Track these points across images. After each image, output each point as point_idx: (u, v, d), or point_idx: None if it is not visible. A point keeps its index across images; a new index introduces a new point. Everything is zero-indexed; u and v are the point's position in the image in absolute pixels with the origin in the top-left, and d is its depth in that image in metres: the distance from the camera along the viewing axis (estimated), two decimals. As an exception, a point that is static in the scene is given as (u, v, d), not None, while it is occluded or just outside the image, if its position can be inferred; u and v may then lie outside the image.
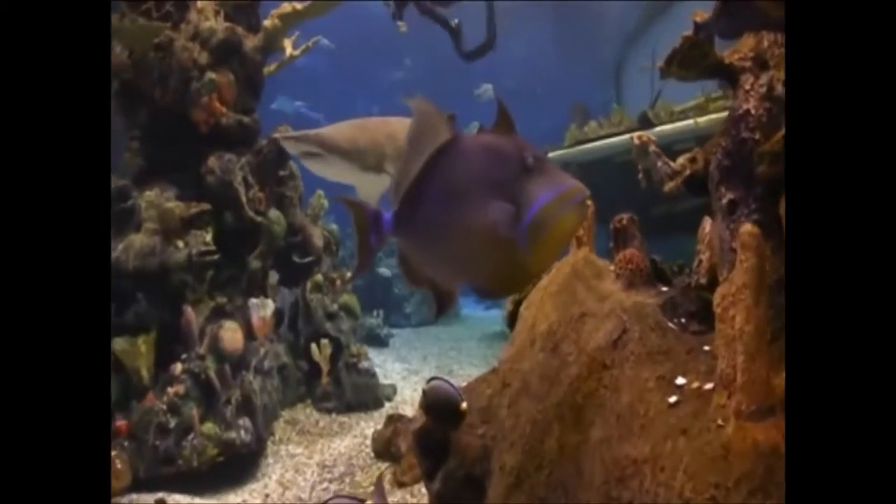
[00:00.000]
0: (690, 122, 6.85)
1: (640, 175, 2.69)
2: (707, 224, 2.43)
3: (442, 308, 1.90)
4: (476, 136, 1.80)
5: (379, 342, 11.18)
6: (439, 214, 1.71)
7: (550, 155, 8.84)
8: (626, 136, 7.93)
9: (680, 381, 1.80)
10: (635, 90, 13.81)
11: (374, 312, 11.50)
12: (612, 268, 2.56)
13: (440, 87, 29.38)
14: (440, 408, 2.92)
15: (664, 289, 2.34)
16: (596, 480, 1.75)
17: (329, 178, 5.09)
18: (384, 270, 14.50)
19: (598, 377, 2.00)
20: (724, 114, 6.85)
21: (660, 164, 2.46)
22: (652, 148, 2.53)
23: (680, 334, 2.02)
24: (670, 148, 4.59)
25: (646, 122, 7.59)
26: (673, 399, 1.74)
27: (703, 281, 2.39)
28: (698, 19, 2.10)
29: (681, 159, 2.38)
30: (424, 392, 3.31)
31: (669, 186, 2.42)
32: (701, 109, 7.23)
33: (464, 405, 2.96)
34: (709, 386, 1.71)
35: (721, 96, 7.17)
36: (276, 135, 4.63)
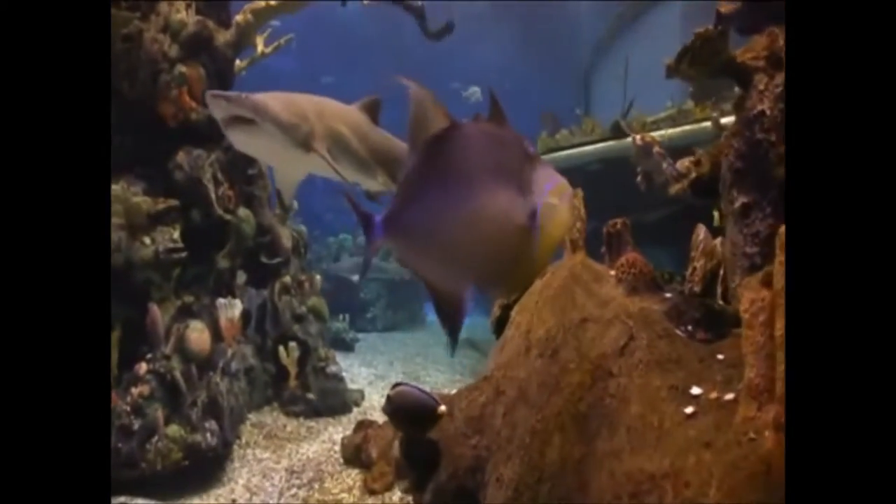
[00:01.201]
0: (661, 132, 6.83)
1: (640, 177, 2.62)
2: (701, 231, 2.38)
3: (455, 326, 1.70)
4: (476, 124, 1.70)
5: (345, 346, 11.09)
6: (445, 206, 1.60)
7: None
8: (599, 145, 7.96)
9: (695, 391, 1.72)
10: (605, 98, 13.85)
11: (341, 316, 11.39)
12: (611, 272, 2.48)
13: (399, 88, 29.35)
14: (407, 413, 2.83)
15: (667, 295, 2.26)
16: (605, 495, 1.66)
17: (249, 152, 4.71)
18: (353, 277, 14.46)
19: (603, 385, 1.91)
20: (697, 125, 6.87)
21: (665, 166, 2.39)
22: (656, 149, 2.46)
23: (688, 342, 1.94)
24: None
25: (618, 132, 7.58)
26: (689, 410, 1.66)
27: (696, 289, 2.33)
28: (723, 10, 2.03)
29: (686, 162, 2.31)
30: (389, 397, 3.21)
31: (675, 189, 2.35)
32: (672, 120, 7.24)
33: (441, 408, 2.88)
34: (729, 396, 1.64)
35: (691, 108, 7.20)
36: (209, 92, 4.05)
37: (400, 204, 1.71)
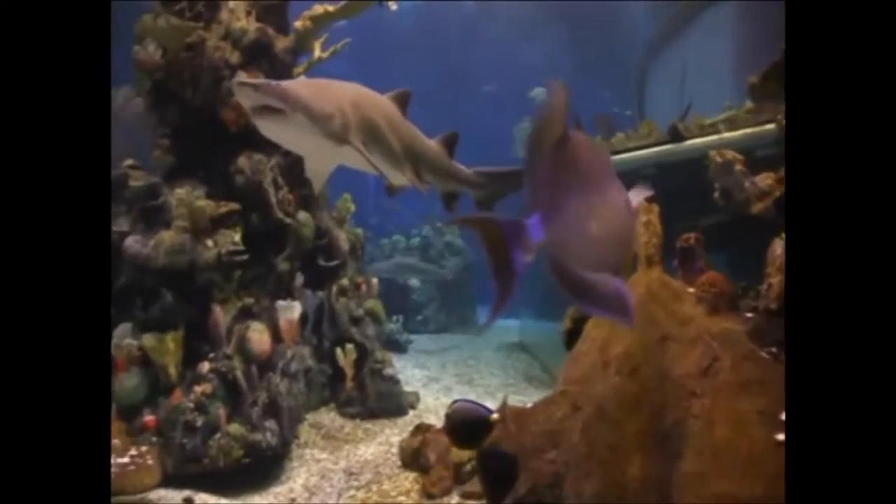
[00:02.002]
0: (719, 136, 6.72)
1: (718, 193, 2.60)
2: (777, 247, 2.35)
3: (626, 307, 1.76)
4: (578, 134, 1.81)
5: (398, 347, 11.13)
6: (587, 206, 1.69)
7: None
8: (655, 149, 7.85)
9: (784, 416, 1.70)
10: (659, 100, 13.69)
11: (394, 318, 11.43)
12: (690, 290, 2.46)
13: (453, 91, 29.37)
14: (467, 429, 2.87)
15: (749, 315, 2.24)
16: (692, 516, 1.66)
17: (281, 143, 4.41)
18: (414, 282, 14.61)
19: (686, 406, 1.91)
20: (759, 128, 6.74)
21: (747, 184, 2.36)
22: (738, 167, 2.44)
23: (773, 364, 1.92)
24: (701, 161, 4.52)
25: (676, 135, 7.47)
26: (781, 437, 1.65)
27: (773, 306, 2.31)
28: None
29: (768, 179, 2.28)
30: (448, 416, 3.26)
31: (757, 207, 2.33)
32: (731, 122, 7.13)
33: (494, 416, 2.90)
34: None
35: (751, 108, 7.07)
36: (236, 79, 3.84)
37: (545, 205, 1.74)
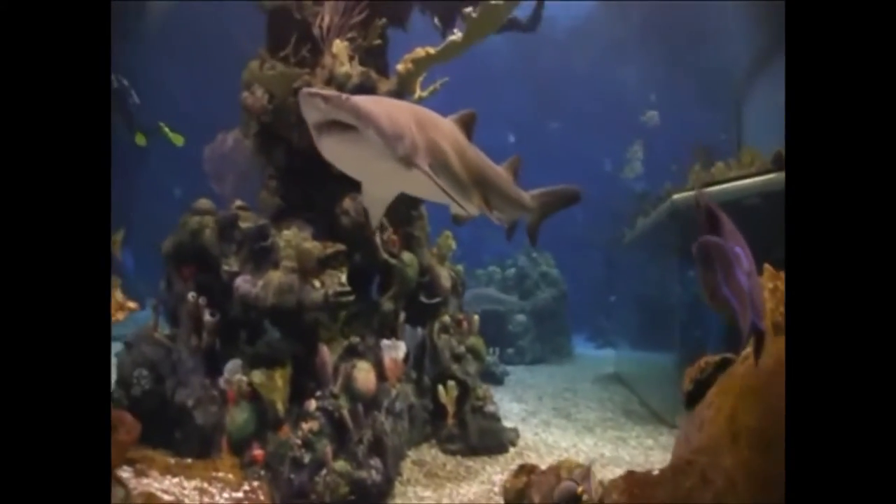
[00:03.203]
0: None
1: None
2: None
3: None
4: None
5: (494, 380, 11.15)
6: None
7: (675, 197, 8.67)
8: (759, 178, 7.66)
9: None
10: (758, 125, 13.39)
11: (490, 350, 11.47)
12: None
13: (550, 117, 29.36)
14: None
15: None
16: None
17: (340, 164, 3.98)
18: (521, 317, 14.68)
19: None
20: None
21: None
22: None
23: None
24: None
25: (782, 164, 7.29)
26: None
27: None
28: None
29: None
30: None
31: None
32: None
33: (580, 489, 2.92)
34: None
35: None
36: (304, 90, 3.45)
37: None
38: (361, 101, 3.56)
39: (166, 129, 12.10)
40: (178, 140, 12.19)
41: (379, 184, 4.43)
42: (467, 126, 4.62)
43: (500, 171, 4.92)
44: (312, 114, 3.50)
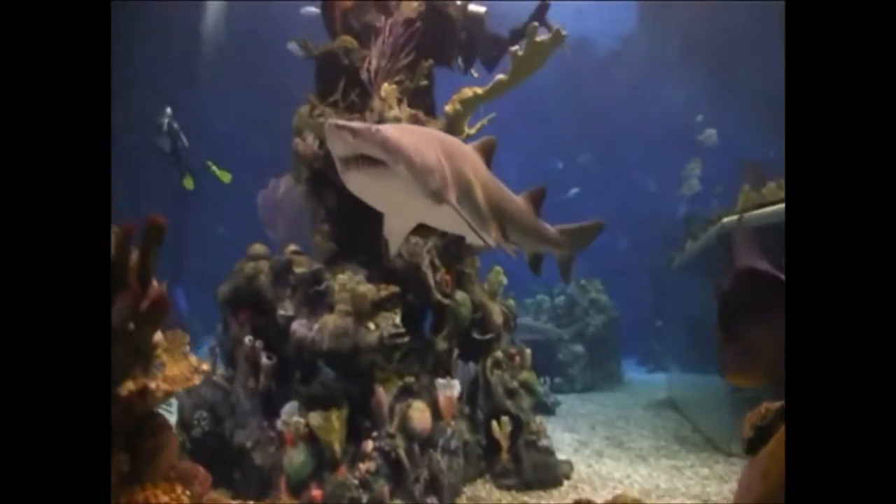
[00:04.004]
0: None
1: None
2: None
3: None
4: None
5: (546, 410, 11.13)
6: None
7: (725, 220, 8.63)
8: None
9: None
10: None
11: (541, 379, 11.47)
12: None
13: (596, 137, 29.31)
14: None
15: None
16: None
17: (366, 198, 3.75)
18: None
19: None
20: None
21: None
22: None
23: None
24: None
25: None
26: None
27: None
28: None
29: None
30: None
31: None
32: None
33: None
34: None
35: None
36: (331, 121, 3.24)
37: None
38: (391, 133, 3.37)
39: (214, 167, 12.39)
40: (226, 177, 12.48)
41: (403, 216, 4.31)
42: (488, 153, 4.52)
43: (518, 202, 4.84)
44: (339, 147, 3.31)
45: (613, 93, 28.43)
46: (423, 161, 3.47)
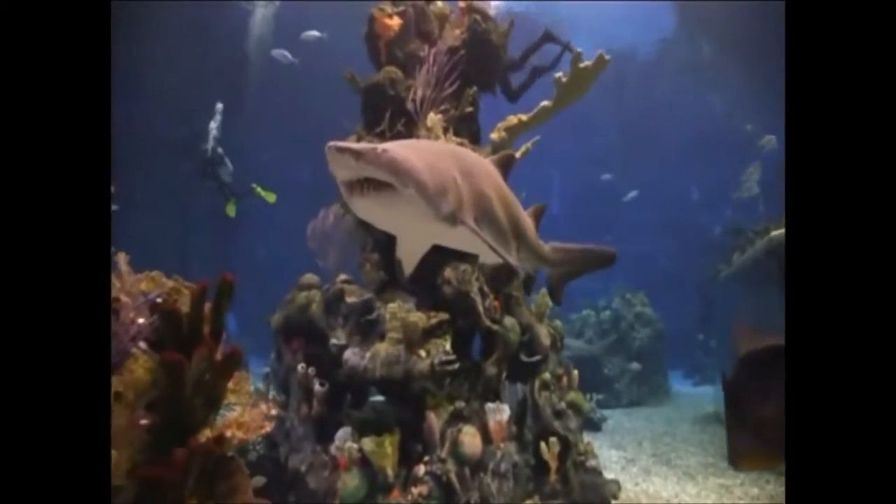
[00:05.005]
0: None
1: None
2: None
3: None
4: None
5: (592, 426, 11.17)
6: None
7: (774, 234, 8.64)
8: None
9: None
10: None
11: (587, 396, 11.50)
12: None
13: (640, 143, 29.13)
14: None
15: None
16: None
17: (376, 222, 3.63)
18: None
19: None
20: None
21: None
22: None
23: None
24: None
25: None
26: None
27: None
28: None
29: None
30: None
31: None
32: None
33: None
34: None
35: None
36: (332, 143, 2.98)
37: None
38: (399, 154, 3.13)
39: (259, 189, 12.61)
40: (271, 197, 12.69)
41: (417, 239, 4.15)
42: (505, 168, 4.37)
43: (528, 219, 4.68)
44: (342, 171, 3.08)
45: (654, 99, 28.31)
46: (435, 182, 3.24)
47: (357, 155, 2.97)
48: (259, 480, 4.18)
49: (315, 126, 8.81)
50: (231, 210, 12.73)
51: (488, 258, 4.40)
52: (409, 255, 4.41)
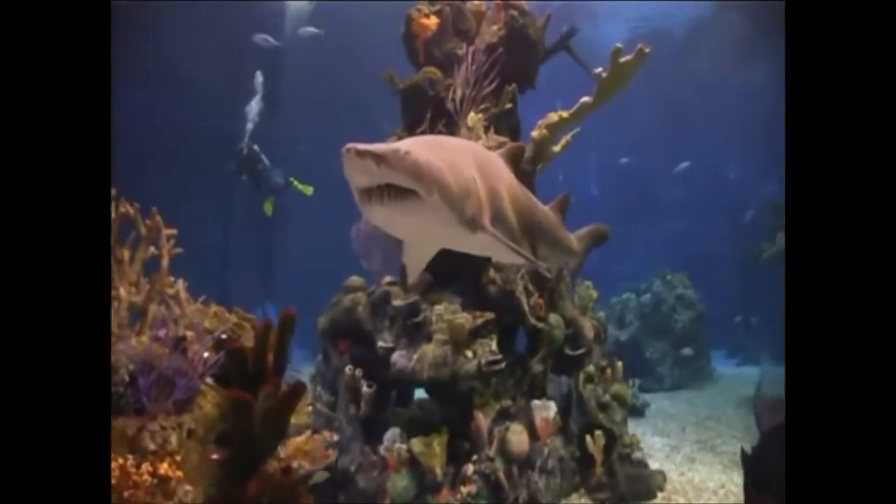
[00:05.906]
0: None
1: None
2: None
3: None
4: None
5: (635, 412, 11.09)
6: None
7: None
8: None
9: None
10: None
11: (629, 381, 11.46)
12: None
13: (676, 125, 28.79)
14: None
15: None
16: None
17: (393, 230, 3.42)
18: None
19: None
20: None
21: None
22: None
23: None
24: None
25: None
26: None
27: None
28: None
29: None
30: None
31: None
32: None
33: None
34: None
35: None
36: (349, 146, 2.68)
37: None
38: (422, 155, 2.89)
39: (296, 183, 12.66)
40: (308, 190, 12.74)
41: (427, 245, 3.99)
42: (515, 161, 4.20)
43: (548, 213, 4.52)
44: (359, 177, 2.82)
45: (690, 78, 27.91)
46: (458, 185, 3.03)
47: (379, 159, 2.72)
48: (322, 475, 4.31)
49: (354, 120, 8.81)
50: (268, 208, 12.81)
51: (503, 259, 4.30)
52: (416, 262, 4.29)
